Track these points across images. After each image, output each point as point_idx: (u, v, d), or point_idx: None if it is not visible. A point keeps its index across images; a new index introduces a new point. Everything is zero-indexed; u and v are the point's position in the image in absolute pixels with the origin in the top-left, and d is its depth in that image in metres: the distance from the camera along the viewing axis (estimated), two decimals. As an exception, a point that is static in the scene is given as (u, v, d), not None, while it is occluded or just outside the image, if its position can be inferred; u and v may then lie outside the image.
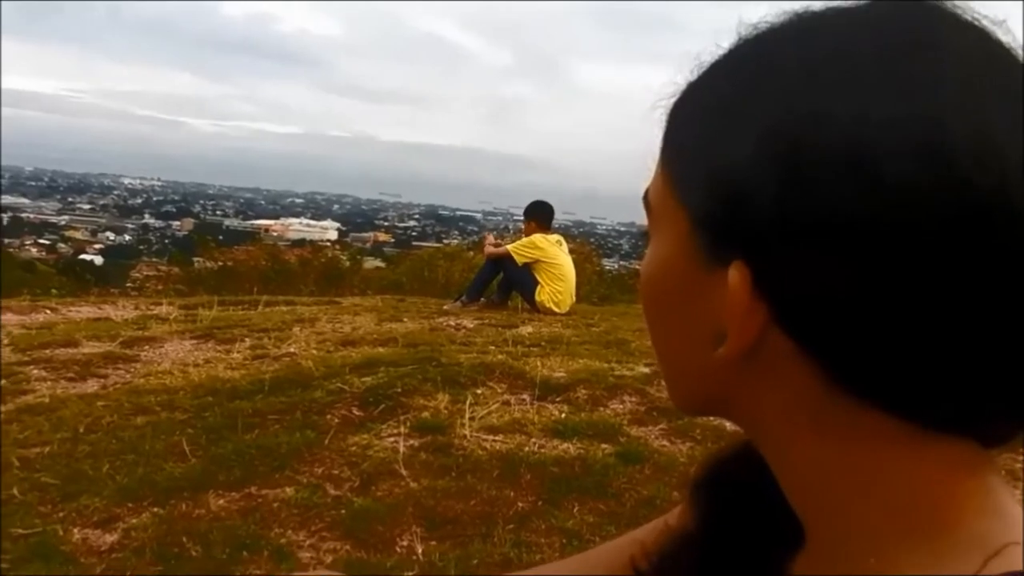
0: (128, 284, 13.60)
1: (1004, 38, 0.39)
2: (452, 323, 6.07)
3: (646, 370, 4.23)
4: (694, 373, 0.44)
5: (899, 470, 0.38)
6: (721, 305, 0.39)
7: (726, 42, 0.44)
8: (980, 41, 0.38)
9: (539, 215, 7.19)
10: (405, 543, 2.49)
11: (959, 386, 0.37)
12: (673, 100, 0.45)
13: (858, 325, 0.36)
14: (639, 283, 0.47)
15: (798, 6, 0.42)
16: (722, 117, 0.40)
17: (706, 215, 0.40)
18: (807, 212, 0.36)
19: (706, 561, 0.52)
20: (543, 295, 6.76)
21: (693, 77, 0.45)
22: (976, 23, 0.39)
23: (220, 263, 11.63)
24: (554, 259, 6.86)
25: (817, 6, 0.41)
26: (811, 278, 0.37)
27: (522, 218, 7.57)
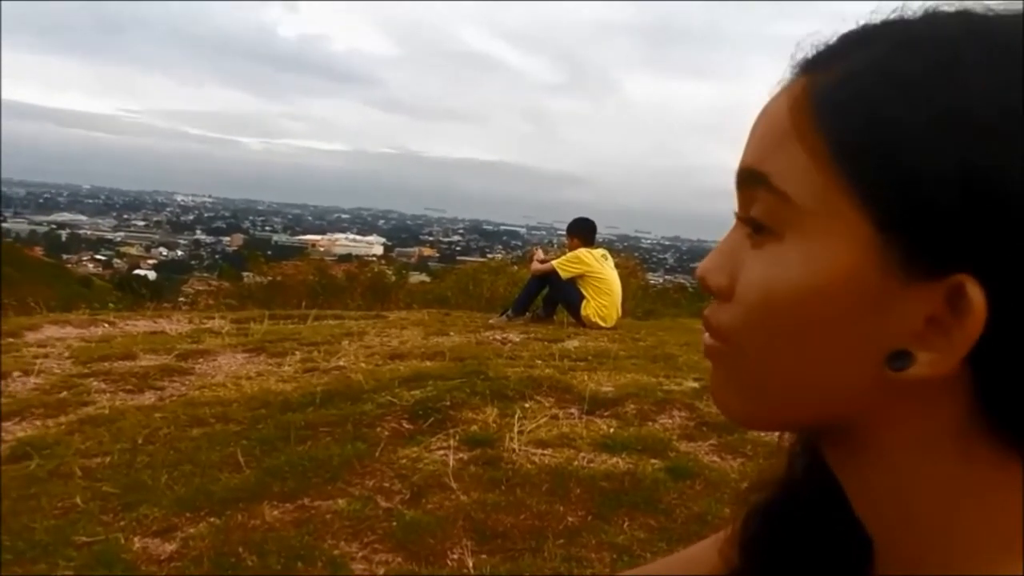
0: (181, 299, 13.89)
1: None
2: (498, 337, 6.09)
3: (695, 384, 4.19)
4: (837, 390, 0.41)
5: (1006, 492, 0.38)
6: (907, 320, 0.37)
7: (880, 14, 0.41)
8: None
9: (582, 230, 7.19)
10: (456, 556, 2.50)
11: None
12: (833, 73, 0.40)
13: None
14: (767, 289, 0.41)
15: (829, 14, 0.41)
16: (942, 111, 0.36)
17: (920, 224, 0.36)
18: None
19: None
20: (589, 309, 6.75)
21: (858, 50, 0.40)
22: None
23: (269, 278, 11.84)
24: (599, 273, 6.85)
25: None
26: None
27: (565, 232, 7.59)
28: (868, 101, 0.38)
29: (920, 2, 0.40)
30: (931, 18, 0.40)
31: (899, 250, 0.37)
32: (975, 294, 0.35)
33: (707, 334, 0.46)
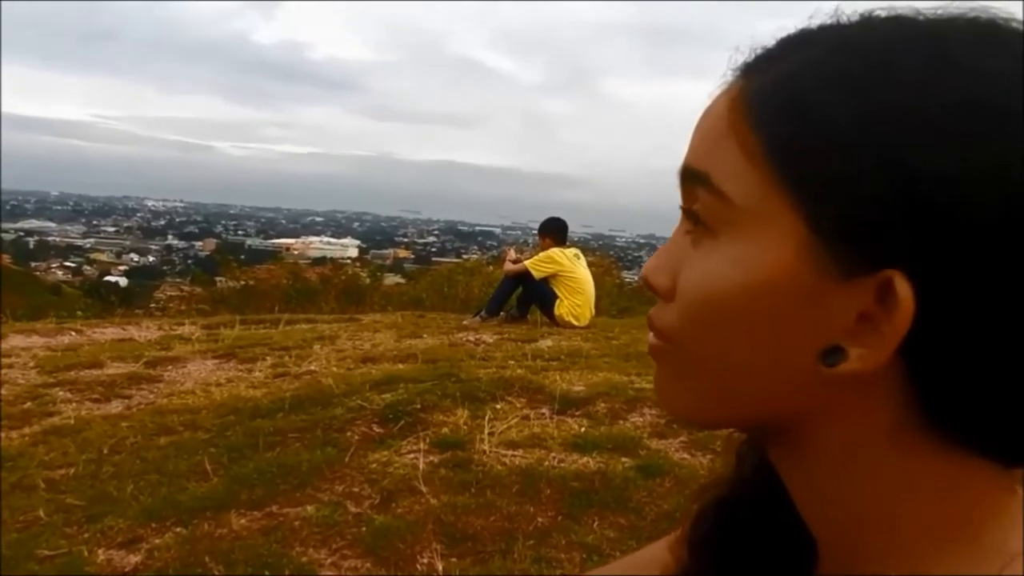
0: (152, 305, 13.75)
1: None
2: (472, 338, 6.09)
3: (666, 382, 4.20)
4: (774, 387, 0.41)
5: (944, 486, 0.39)
6: (839, 317, 0.38)
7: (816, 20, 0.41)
8: None
9: (553, 230, 7.20)
10: (425, 560, 2.49)
11: None
12: (769, 75, 0.41)
13: (991, 364, 0.36)
14: (704, 287, 0.41)
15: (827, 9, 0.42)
16: (872, 111, 0.37)
17: (850, 221, 0.37)
18: (992, 228, 0.35)
19: None
20: (562, 309, 6.76)
21: (794, 52, 0.41)
22: None
23: (242, 282, 11.75)
24: (572, 272, 6.86)
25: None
26: (972, 306, 0.35)
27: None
28: (801, 102, 0.39)
29: (858, 1, 0.42)
30: (866, 22, 0.40)
31: (831, 248, 0.37)
32: (903, 288, 0.36)
33: (651, 334, 0.46)
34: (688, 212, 0.44)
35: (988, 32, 0.38)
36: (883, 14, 0.40)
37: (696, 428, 0.48)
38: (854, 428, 0.40)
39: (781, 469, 0.45)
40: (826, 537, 0.44)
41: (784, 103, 0.39)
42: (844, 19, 0.41)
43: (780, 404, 0.41)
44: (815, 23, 0.41)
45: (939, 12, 0.39)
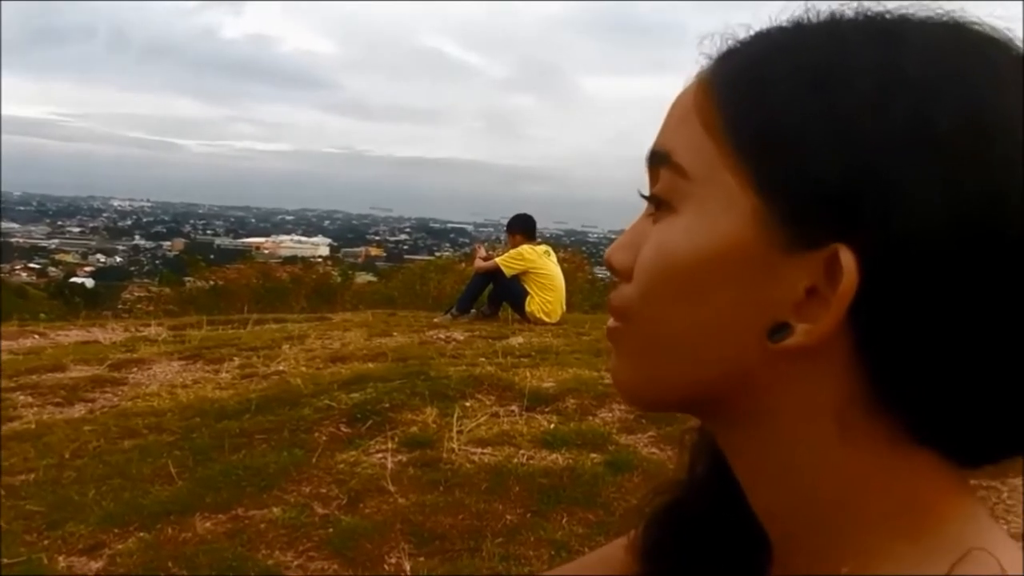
0: (120, 306, 13.53)
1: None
2: (442, 336, 6.07)
3: (635, 378, 4.22)
4: (722, 361, 0.41)
5: (896, 478, 0.39)
6: (787, 290, 0.38)
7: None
8: None
9: (522, 227, 7.21)
10: (393, 560, 2.48)
11: (1001, 432, 0.38)
12: (732, 63, 0.42)
13: (937, 345, 0.36)
14: (659, 257, 0.42)
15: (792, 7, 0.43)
16: (822, 90, 0.38)
17: (799, 195, 0.37)
18: (948, 212, 0.35)
19: None
20: (533, 305, 6.77)
21: (760, 41, 0.42)
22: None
23: (211, 282, 11.61)
24: (542, 269, 6.87)
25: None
26: (917, 282, 0.36)
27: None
28: (763, 83, 0.40)
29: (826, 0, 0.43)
30: (832, 22, 0.41)
31: (782, 220, 0.38)
32: (847, 259, 0.36)
33: (611, 319, 0.46)
34: (651, 198, 0.44)
35: (945, 33, 0.39)
36: (850, 13, 0.41)
37: (645, 408, 0.48)
38: (801, 401, 0.40)
39: (730, 453, 0.45)
40: (775, 527, 0.44)
41: (747, 84, 0.40)
42: (813, 16, 0.42)
43: (727, 380, 0.41)
44: (784, 18, 0.42)
45: (904, 12, 0.40)
